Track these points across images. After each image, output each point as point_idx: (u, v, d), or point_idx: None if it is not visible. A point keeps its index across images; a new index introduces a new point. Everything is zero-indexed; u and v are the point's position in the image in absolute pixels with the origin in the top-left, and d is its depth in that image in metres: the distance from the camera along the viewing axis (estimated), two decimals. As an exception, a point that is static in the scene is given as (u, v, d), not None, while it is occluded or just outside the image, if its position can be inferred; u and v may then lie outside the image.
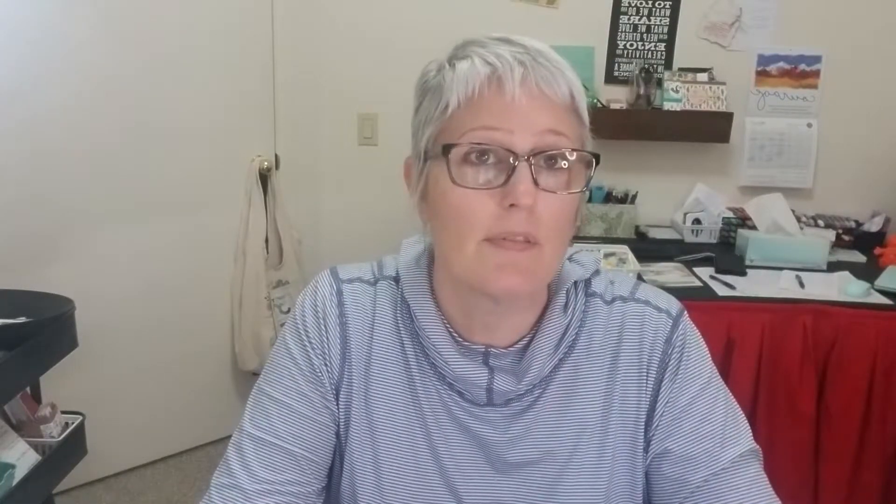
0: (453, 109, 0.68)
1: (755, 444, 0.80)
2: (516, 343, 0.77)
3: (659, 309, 0.81)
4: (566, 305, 0.79)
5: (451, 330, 0.77)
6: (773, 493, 0.78)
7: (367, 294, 0.82)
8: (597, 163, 0.70)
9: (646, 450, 0.79)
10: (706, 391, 0.79)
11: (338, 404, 0.80)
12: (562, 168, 0.69)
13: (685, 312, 0.82)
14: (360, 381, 0.80)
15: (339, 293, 0.81)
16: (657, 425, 0.78)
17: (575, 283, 0.80)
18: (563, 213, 0.69)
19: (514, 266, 0.68)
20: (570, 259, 0.82)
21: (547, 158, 0.68)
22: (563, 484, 0.77)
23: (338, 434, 0.81)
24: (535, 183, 0.66)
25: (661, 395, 0.78)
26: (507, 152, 0.67)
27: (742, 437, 0.79)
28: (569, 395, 0.78)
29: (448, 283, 0.77)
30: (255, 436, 0.78)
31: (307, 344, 0.80)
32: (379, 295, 0.82)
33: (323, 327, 0.80)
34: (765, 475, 0.79)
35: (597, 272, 0.83)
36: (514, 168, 0.66)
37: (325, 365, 0.80)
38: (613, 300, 0.81)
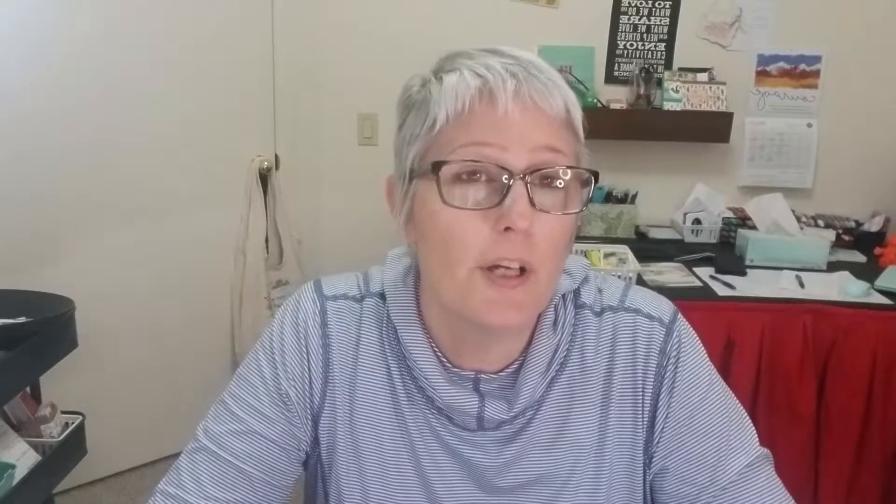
0: (441, 125, 0.64)
1: (762, 448, 0.77)
2: (507, 367, 0.73)
3: (651, 317, 0.76)
4: (555, 321, 0.75)
5: (439, 354, 0.73)
6: (785, 496, 0.75)
7: (352, 313, 0.77)
8: (595, 181, 0.67)
9: (647, 466, 0.76)
10: (707, 401, 0.75)
11: (316, 430, 0.77)
12: (558, 187, 0.65)
13: (679, 316, 0.78)
14: (344, 406, 0.76)
15: (324, 312, 0.77)
16: (658, 441, 0.75)
17: (563, 295, 0.76)
18: (559, 236, 0.65)
19: (508, 302, 0.64)
20: None
21: (542, 177, 0.64)
22: None
23: (320, 460, 0.78)
24: (532, 203, 0.62)
25: (659, 410, 0.75)
26: (500, 170, 0.62)
27: (748, 445, 0.76)
28: (563, 416, 0.75)
29: (436, 305, 0.72)
30: (210, 450, 0.75)
31: (279, 366, 0.76)
32: (365, 314, 0.77)
33: (304, 350, 0.76)
34: (776, 479, 0.76)
35: (585, 280, 0.78)
36: (508, 187, 0.62)
37: (303, 390, 0.76)
38: (603, 311, 0.77)
